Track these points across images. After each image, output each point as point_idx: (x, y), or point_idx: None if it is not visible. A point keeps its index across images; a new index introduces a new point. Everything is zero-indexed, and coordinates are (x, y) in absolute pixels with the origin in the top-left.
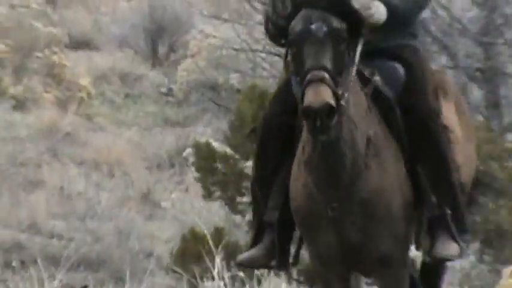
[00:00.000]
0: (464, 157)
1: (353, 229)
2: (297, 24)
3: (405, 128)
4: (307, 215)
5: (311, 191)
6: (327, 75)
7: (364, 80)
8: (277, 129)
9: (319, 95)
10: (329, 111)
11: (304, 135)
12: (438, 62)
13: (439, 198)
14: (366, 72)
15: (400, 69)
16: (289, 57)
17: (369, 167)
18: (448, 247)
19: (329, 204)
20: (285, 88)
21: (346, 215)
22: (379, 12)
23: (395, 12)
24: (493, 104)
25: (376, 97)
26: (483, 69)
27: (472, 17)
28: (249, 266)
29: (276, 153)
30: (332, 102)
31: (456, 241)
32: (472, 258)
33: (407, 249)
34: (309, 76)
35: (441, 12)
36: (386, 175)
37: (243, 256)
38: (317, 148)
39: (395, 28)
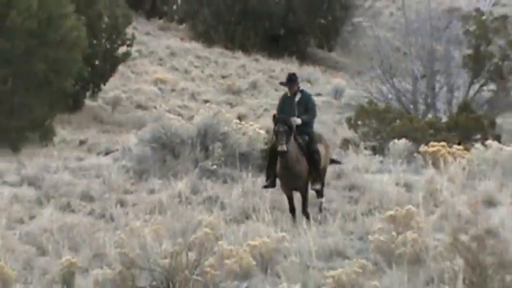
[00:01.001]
0: (324, 158)
1: (290, 179)
2: (276, 128)
3: (308, 152)
4: (280, 175)
5: (280, 169)
6: (284, 141)
7: (296, 140)
8: (274, 150)
9: (282, 148)
10: (285, 152)
11: (279, 156)
12: None
13: (314, 172)
14: (298, 138)
15: (307, 136)
16: (273, 136)
17: (296, 163)
18: (316, 186)
19: (285, 173)
20: (274, 143)
21: (288, 176)
22: (296, 122)
23: (304, 121)
24: None
25: (299, 145)
26: None
27: None
28: (266, 188)
29: (273, 158)
30: (285, 149)
31: (318, 184)
32: None
33: (307, 184)
34: (279, 142)
35: None
36: (302, 165)
37: (265, 184)
38: (282, 160)
39: (305, 125)
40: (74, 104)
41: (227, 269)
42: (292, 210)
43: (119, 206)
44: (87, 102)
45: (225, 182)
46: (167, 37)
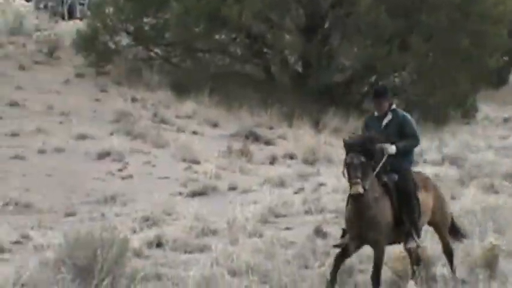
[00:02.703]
0: (434, 212)
1: (363, 229)
2: (347, 159)
3: (396, 196)
4: (348, 222)
5: (351, 214)
6: (359, 180)
7: (379, 179)
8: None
9: (356, 190)
10: (360, 195)
11: (350, 199)
12: None
13: (409, 224)
14: (382, 176)
15: (395, 176)
16: (344, 172)
17: (372, 207)
18: (410, 243)
19: (356, 221)
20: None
21: (362, 225)
22: (387, 151)
23: (400, 150)
24: None
25: (384, 184)
26: None
27: None
28: (339, 247)
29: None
30: (361, 191)
31: (415, 241)
32: None
33: (385, 239)
34: (352, 181)
35: None
36: (379, 210)
37: (336, 242)
38: (354, 205)
39: (398, 158)
40: (498, 80)
41: None
42: (334, 274)
43: None
44: None
45: None
46: None
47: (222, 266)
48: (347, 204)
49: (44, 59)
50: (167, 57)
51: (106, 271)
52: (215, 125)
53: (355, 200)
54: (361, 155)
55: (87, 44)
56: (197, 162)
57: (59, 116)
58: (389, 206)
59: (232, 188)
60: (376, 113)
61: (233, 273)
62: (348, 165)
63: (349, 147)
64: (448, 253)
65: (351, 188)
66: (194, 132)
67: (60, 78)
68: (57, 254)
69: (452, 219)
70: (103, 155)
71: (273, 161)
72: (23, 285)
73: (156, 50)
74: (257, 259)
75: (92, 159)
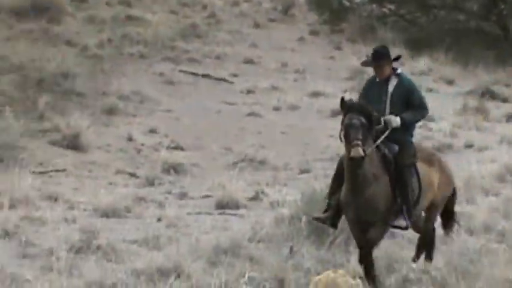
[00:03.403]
0: (437, 190)
1: (361, 211)
2: (346, 120)
3: (395, 171)
4: (344, 203)
5: (346, 193)
6: (360, 142)
7: (379, 150)
8: (341, 168)
9: (356, 152)
10: (361, 158)
11: (347, 169)
12: None
13: (401, 200)
14: (381, 147)
15: (396, 147)
16: (341, 134)
17: (371, 185)
18: (399, 222)
19: (353, 199)
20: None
21: (359, 204)
22: (390, 124)
23: (405, 123)
24: None
25: (384, 157)
26: None
27: None
28: (318, 221)
29: (339, 177)
30: (363, 154)
31: (405, 220)
32: None
33: (385, 219)
34: (352, 143)
35: None
36: (379, 189)
37: (317, 215)
38: (352, 174)
39: (403, 128)
40: None
41: None
42: (368, 272)
43: None
44: None
45: None
46: None
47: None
48: (335, 179)
49: (279, 16)
50: (401, 14)
51: (340, 229)
52: (451, 82)
53: (354, 166)
54: (361, 116)
55: (321, 1)
56: (432, 120)
57: (293, 73)
58: (388, 185)
59: (468, 146)
60: (377, 79)
61: (470, 232)
62: (347, 126)
63: (348, 107)
64: (426, 242)
65: (349, 152)
66: (429, 90)
67: (294, 36)
68: (292, 210)
69: (451, 203)
70: (337, 113)
71: (509, 118)
72: (258, 241)
73: (390, 6)
74: (493, 218)
75: (325, 116)
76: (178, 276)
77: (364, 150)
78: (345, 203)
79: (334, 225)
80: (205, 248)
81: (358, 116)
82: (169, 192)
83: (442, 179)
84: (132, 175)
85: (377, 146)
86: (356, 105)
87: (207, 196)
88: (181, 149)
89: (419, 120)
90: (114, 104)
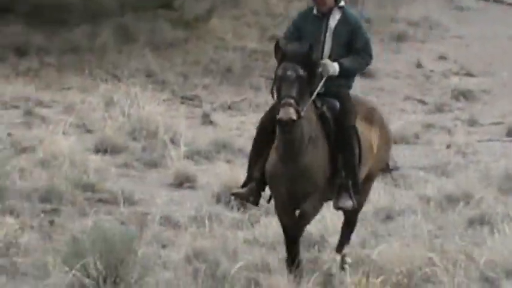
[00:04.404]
0: (375, 156)
1: (296, 183)
2: (279, 71)
3: (334, 134)
4: (273, 175)
5: (276, 162)
6: (292, 101)
7: (316, 107)
8: (265, 127)
9: (287, 113)
10: (292, 121)
11: (278, 132)
12: None
13: (345, 173)
14: (318, 103)
15: (337, 104)
16: (274, 88)
17: (307, 151)
18: (345, 202)
19: (285, 169)
20: (273, 105)
21: (293, 175)
22: (326, 70)
23: (344, 71)
24: None
25: (322, 116)
26: None
27: None
28: (237, 197)
29: (263, 140)
30: (294, 117)
31: (351, 199)
32: None
33: (322, 192)
34: (282, 101)
35: None
36: (316, 156)
37: (236, 190)
38: (283, 139)
39: (341, 79)
40: None
41: None
42: (293, 259)
43: None
44: None
45: None
46: None
47: None
48: (256, 144)
49: None
50: None
51: None
52: None
53: (284, 130)
54: (299, 67)
55: None
56: None
57: None
58: (327, 150)
59: None
60: (315, 11)
61: None
62: (280, 79)
63: (284, 54)
64: (352, 222)
65: (278, 111)
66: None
67: None
68: None
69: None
70: None
71: None
72: None
73: None
74: None
75: None
76: (468, 203)
77: (298, 111)
78: (273, 175)
79: (256, 201)
80: (495, 175)
81: (295, 67)
82: (458, 119)
83: (382, 141)
84: (421, 101)
85: (316, 104)
86: (294, 51)
87: (497, 123)
88: (471, 75)
89: (362, 69)
90: (403, 30)
